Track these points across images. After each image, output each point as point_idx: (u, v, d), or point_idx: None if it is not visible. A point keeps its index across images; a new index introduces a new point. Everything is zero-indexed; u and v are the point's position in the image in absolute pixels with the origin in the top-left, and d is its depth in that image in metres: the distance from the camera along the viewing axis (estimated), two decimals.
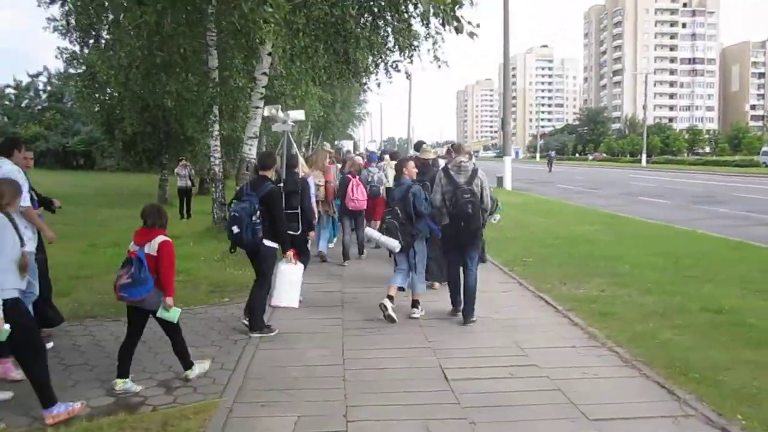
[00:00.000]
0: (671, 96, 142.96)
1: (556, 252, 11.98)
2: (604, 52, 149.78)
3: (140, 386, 5.29)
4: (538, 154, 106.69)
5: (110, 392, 5.21)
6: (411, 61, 15.50)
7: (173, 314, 5.21)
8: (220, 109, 14.59)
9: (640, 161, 73.88)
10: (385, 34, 15.17)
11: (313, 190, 9.72)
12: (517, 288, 9.22)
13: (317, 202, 10.56)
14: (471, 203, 7.11)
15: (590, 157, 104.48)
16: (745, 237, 13.87)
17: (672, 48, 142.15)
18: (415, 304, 7.70)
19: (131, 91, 15.26)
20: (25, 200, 5.73)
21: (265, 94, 13.72)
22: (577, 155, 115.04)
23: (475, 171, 7.37)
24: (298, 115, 10.60)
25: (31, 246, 5.59)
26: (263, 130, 17.61)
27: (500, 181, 31.62)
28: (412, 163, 7.94)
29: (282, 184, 7.92)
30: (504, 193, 27.63)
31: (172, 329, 5.36)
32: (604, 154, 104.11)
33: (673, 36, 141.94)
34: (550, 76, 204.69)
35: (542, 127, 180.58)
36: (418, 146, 11.42)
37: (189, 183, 20.12)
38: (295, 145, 10.67)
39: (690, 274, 9.78)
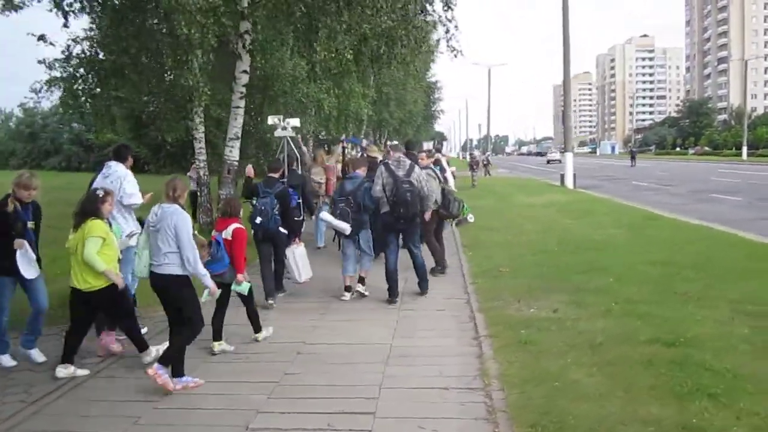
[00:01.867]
0: None
1: (546, 260, 10.56)
2: (708, 40, 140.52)
3: (233, 346, 6.39)
4: (636, 150, 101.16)
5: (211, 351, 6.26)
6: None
7: (244, 287, 6.33)
8: (207, 112, 13.95)
9: (741, 155, 68.35)
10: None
11: None
12: (457, 306, 7.96)
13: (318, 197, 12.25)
14: (410, 192, 8.05)
15: (691, 152, 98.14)
16: None
17: None
18: (361, 280, 8.54)
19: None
20: (138, 197, 6.90)
21: (244, 93, 12.93)
22: (677, 149, 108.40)
23: (412, 165, 8.36)
24: (295, 122, 13.10)
25: None
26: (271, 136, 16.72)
27: (562, 179, 29.58)
28: (365, 162, 9.18)
29: (285, 179, 9.97)
30: (559, 192, 25.87)
31: (245, 299, 6.47)
32: (706, 148, 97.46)
33: None
34: (651, 66, 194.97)
35: (643, 120, 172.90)
36: (409, 145, 12.57)
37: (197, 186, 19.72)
38: (294, 148, 12.73)
39: (680, 289, 8.18)
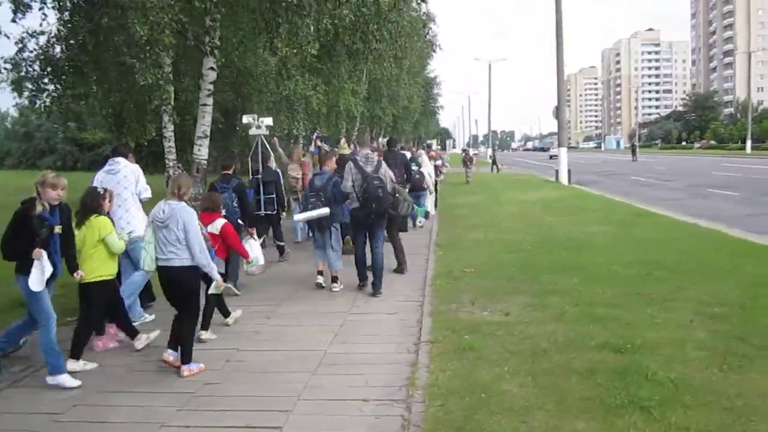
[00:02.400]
0: None
1: (518, 259, 10.18)
2: (714, 33, 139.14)
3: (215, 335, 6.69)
4: (637, 144, 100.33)
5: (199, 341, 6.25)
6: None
7: (255, 261, 7.69)
8: (176, 109, 13.60)
9: (745, 148, 67.56)
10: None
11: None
12: (409, 309, 7.59)
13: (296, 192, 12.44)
14: (380, 188, 8.19)
15: (696, 146, 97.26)
16: None
17: None
18: (334, 279, 8.74)
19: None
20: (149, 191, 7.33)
21: (212, 91, 12.58)
22: (683, 143, 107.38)
23: (380, 162, 8.60)
24: (268, 121, 13.21)
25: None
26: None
27: (557, 174, 29.12)
28: (333, 158, 9.40)
29: (260, 176, 11.13)
30: (553, 188, 25.43)
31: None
32: (712, 142, 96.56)
33: None
34: (657, 60, 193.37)
35: (649, 114, 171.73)
36: (390, 143, 13.53)
37: None
38: (268, 146, 12.51)
39: (649, 291, 7.81)
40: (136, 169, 7.30)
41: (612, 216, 15.38)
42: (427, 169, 15.69)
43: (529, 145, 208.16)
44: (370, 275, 8.61)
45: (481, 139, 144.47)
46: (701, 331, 6.17)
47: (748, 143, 67.06)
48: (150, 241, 5.69)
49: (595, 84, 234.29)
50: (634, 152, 62.16)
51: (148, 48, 10.19)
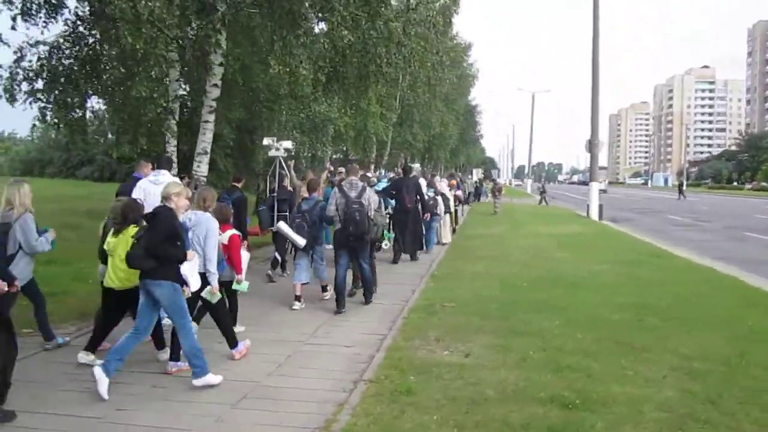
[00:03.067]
0: None
1: (506, 295, 9.68)
2: None
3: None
4: (685, 182, 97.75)
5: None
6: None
7: (243, 287, 6.98)
8: (180, 123, 13.51)
9: None
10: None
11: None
12: (368, 344, 7.16)
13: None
14: (359, 212, 8.67)
15: (747, 186, 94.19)
16: None
17: None
18: (324, 288, 9.50)
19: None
20: None
21: (214, 107, 12.44)
22: (735, 183, 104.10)
23: (364, 188, 9.00)
24: (287, 144, 13.87)
25: None
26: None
27: (587, 210, 28.28)
28: (321, 185, 10.39)
29: (275, 194, 11.97)
30: (579, 223, 24.66)
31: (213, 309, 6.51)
32: (763, 183, 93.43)
33: None
34: (711, 98, 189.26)
35: (701, 153, 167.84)
36: (405, 170, 14.80)
37: None
38: (285, 168, 13.12)
39: (631, 339, 7.24)
40: (177, 182, 7.55)
41: (627, 255, 14.67)
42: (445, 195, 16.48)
43: (575, 178, 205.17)
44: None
45: (527, 171, 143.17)
46: (671, 389, 5.60)
47: None
48: None
49: (647, 119, 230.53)
50: (681, 190, 60.32)
51: (143, 61, 10.07)
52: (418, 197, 13.87)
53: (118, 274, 5.98)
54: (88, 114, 12.94)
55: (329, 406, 5.18)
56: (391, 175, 24.23)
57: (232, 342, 6.47)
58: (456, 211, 21.31)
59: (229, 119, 15.15)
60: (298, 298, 8.94)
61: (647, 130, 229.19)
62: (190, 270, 5.77)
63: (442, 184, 18.14)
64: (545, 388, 5.50)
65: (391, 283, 11.03)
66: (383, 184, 14.69)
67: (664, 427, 4.76)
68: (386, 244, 14.21)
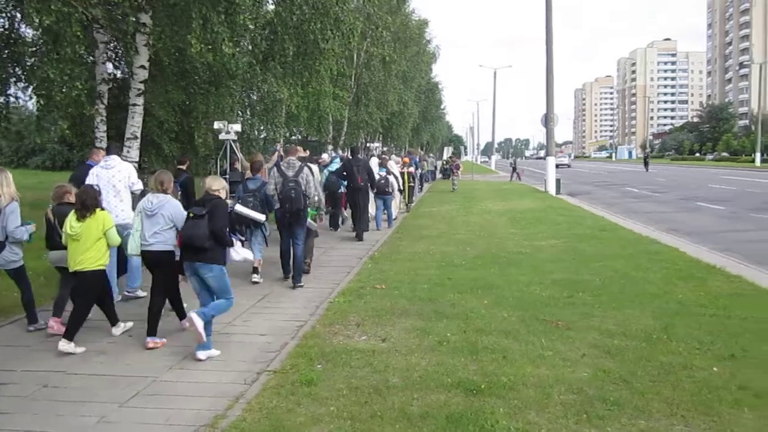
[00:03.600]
0: None
1: (439, 275, 9.50)
2: (730, 43, 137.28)
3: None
4: (649, 155, 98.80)
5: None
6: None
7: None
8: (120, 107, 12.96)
9: (753, 161, 66.05)
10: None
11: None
12: (284, 331, 6.86)
13: None
14: (294, 190, 8.95)
15: (709, 157, 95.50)
16: (764, 258, 11.04)
17: None
18: (255, 270, 9.49)
19: None
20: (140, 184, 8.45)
21: (142, 90, 11.93)
22: (697, 154, 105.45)
23: (302, 167, 9.22)
24: (237, 127, 14.79)
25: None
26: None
27: (545, 185, 28.28)
28: (264, 167, 10.23)
29: (227, 176, 11.99)
30: (535, 199, 24.58)
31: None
32: (724, 154, 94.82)
33: None
34: (673, 71, 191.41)
35: (664, 125, 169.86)
36: (354, 151, 16.19)
37: None
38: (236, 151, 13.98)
39: (555, 316, 7.11)
40: (129, 166, 8.48)
41: (574, 229, 14.58)
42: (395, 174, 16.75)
43: (542, 153, 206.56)
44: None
45: (496, 146, 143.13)
46: (586, 368, 5.42)
47: (757, 156, 65.56)
48: (137, 229, 6.46)
49: (611, 94, 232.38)
50: (646, 163, 61.18)
51: (57, 42, 9.54)
52: (369, 177, 14.27)
53: (87, 256, 6.20)
54: (11, 100, 12.28)
55: (225, 400, 4.89)
56: (342, 155, 24.03)
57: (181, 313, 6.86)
58: (411, 188, 21.46)
59: (171, 103, 14.58)
60: (255, 270, 9.44)
61: (612, 104, 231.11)
62: (237, 254, 6.46)
63: (392, 164, 17.98)
64: (454, 373, 5.28)
65: (328, 265, 10.78)
66: (335, 165, 15.21)
67: (569, 411, 4.56)
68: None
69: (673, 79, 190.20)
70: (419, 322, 6.89)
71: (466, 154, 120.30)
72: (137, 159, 12.14)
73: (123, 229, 7.09)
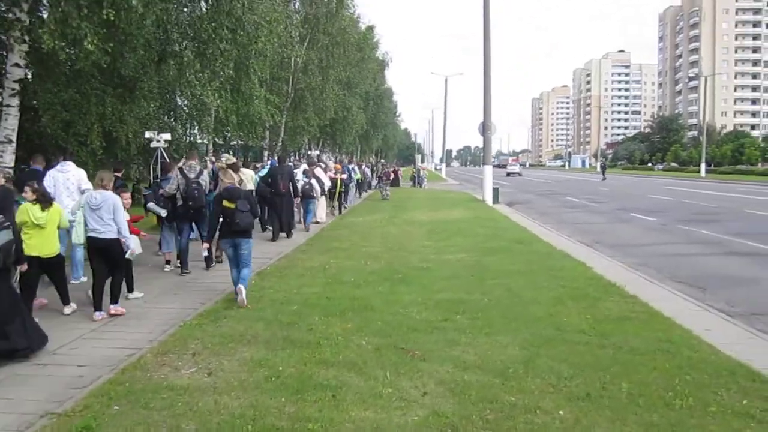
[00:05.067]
0: (754, 101, 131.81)
1: (319, 294, 8.80)
2: (680, 56, 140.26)
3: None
4: (598, 164, 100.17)
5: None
6: None
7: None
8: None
9: (699, 171, 67.22)
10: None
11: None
12: (112, 361, 6.05)
13: None
14: (197, 190, 10.42)
15: (659, 167, 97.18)
16: (676, 272, 11.15)
17: (755, 50, 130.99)
18: (168, 262, 11.02)
19: None
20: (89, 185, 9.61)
21: (17, 90, 10.97)
22: (650, 164, 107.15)
23: (201, 171, 10.82)
24: (167, 136, 16.39)
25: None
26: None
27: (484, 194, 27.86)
28: (176, 167, 10.99)
29: (159, 180, 12.58)
30: (467, 208, 24.10)
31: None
32: (673, 164, 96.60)
33: (756, 37, 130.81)
34: (627, 82, 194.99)
35: (618, 135, 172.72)
36: (280, 159, 17.06)
37: None
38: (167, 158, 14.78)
39: (416, 344, 6.43)
40: (81, 171, 10.06)
41: (490, 242, 14.04)
42: (320, 180, 18.19)
43: (495, 162, 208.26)
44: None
45: (454, 154, 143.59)
46: (420, 410, 4.81)
47: (702, 166, 66.70)
48: (80, 221, 7.68)
49: (567, 103, 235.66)
50: (603, 171, 62.56)
51: None
52: (291, 184, 15.50)
53: (50, 241, 7.30)
54: None
55: None
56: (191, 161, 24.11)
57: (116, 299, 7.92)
58: (341, 193, 22.42)
59: (65, 105, 13.59)
60: (168, 262, 11.05)
61: (568, 113, 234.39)
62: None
63: (318, 171, 18.76)
64: (262, 418, 4.58)
65: (212, 280, 10.06)
66: (264, 172, 16.51)
67: None
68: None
69: (626, 90, 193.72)
70: (261, 351, 6.17)
71: (422, 162, 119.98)
72: (11, 164, 11.15)
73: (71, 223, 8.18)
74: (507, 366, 5.72)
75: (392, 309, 7.83)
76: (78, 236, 7.73)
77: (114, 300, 7.76)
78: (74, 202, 8.75)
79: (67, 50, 9.69)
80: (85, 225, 7.64)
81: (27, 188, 7.52)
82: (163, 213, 10.66)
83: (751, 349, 6.44)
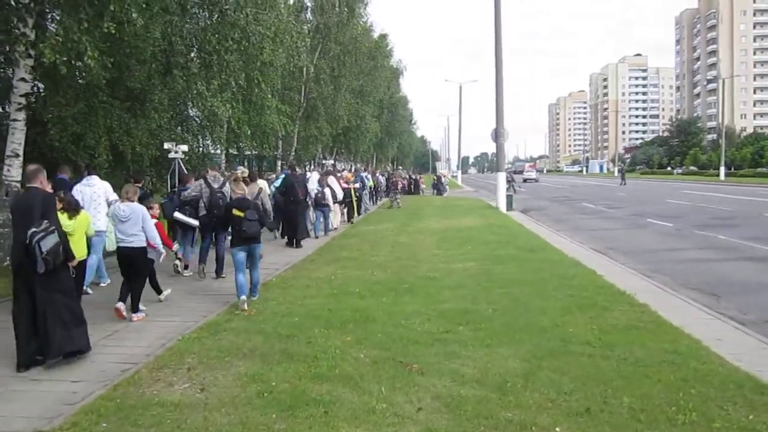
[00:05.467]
0: None
1: (323, 306, 8.70)
2: (698, 59, 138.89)
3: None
4: (615, 169, 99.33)
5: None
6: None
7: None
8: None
9: (718, 175, 66.34)
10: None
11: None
12: (108, 376, 5.98)
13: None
14: (221, 199, 10.65)
15: (678, 171, 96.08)
16: (690, 278, 11.05)
17: None
18: (186, 267, 11.50)
19: None
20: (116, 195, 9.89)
21: (24, 104, 11.04)
22: (669, 168, 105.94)
23: (224, 182, 11.16)
24: (184, 147, 16.53)
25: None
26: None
27: (497, 201, 27.64)
28: (192, 178, 12.02)
29: (176, 189, 12.88)
30: (482, 215, 23.91)
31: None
32: (692, 167, 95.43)
33: None
34: (644, 86, 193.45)
35: (636, 139, 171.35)
36: (292, 167, 17.91)
37: None
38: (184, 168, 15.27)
39: (415, 357, 6.33)
40: (106, 184, 10.33)
41: (500, 250, 13.88)
42: (333, 189, 18.41)
43: (514, 166, 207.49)
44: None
45: (472, 160, 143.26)
46: (412, 428, 4.70)
47: (722, 170, 65.81)
48: (111, 230, 8.51)
49: (584, 108, 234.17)
50: (623, 176, 62.27)
51: None
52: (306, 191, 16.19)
53: (79, 247, 7.59)
54: None
55: None
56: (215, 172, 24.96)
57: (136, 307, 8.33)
58: (353, 202, 22.53)
59: (76, 119, 13.67)
60: (187, 267, 11.54)
61: (585, 118, 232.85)
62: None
63: (332, 179, 18.91)
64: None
65: (217, 292, 9.99)
66: (279, 181, 16.94)
67: None
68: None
69: (644, 93, 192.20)
70: (257, 365, 6.08)
71: (442, 169, 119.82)
72: (18, 178, 11.21)
73: (99, 234, 9.27)
74: (506, 380, 5.58)
75: (394, 320, 7.71)
76: (111, 243, 8.64)
77: (134, 308, 8.20)
78: (101, 214, 9.67)
79: (70, 64, 9.66)
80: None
81: (56, 198, 7.76)
82: (195, 222, 11.11)
83: (762, 360, 6.25)
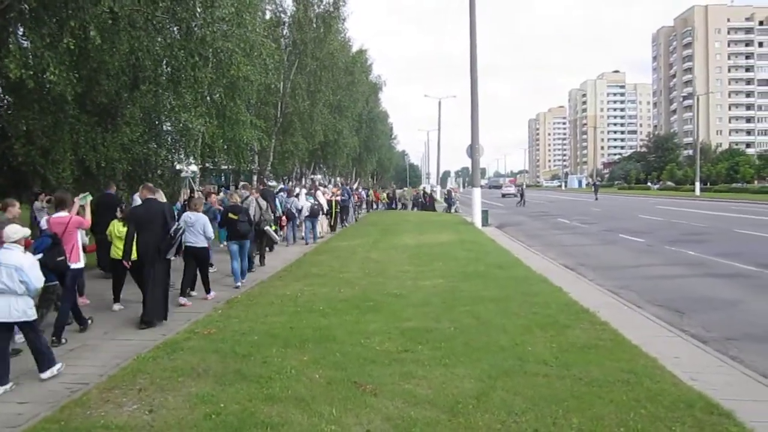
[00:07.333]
0: (748, 120, 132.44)
1: (282, 326, 8.58)
2: (674, 76, 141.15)
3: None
4: (591, 184, 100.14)
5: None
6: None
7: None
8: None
9: (694, 190, 67.18)
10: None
11: None
12: (56, 397, 5.86)
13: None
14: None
15: (655, 186, 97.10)
16: (656, 295, 11.14)
17: (748, 69, 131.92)
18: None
19: None
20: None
21: None
22: (647, 183, 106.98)
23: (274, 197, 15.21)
24: (194, 167, 18.90)
25: None
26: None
27: (473, 216, 27.72)
28: (214, 197, 14.98)
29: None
30: (455, 231, 23.94)
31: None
32: (669, 183, 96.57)
33: (748, 56, 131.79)
34: (622, 102, 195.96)
35: (614, 154, 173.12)
36: (263, 183, 20.58)
37: None
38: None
39: (371, 378, 6.25)
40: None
41: (470, 266, 13.87)
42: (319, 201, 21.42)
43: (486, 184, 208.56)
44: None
45: (452, 174, 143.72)
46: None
47: (697, 185, 66.68)
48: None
49: (564, 123, 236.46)
50: (596, 191, 62.90)
51: None
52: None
53: (117, 246, 9.82)
54: None
55: None
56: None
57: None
58: (336, 213, 25.22)
59: (46, 133, 13.49)
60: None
61: (564, 134, 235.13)
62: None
63: (319, 194, 22.08)
64: None
65: (181, 310, 9.86)
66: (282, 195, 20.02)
67: None
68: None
69: (622, 110, 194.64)
70: (209, 386, 6.00)
71: (424, 184, 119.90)
72: None
73: None
74: (458, 401, 5.55)
75: (354, 339, 7.65)
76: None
77: (207, 290, 10.87)
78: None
79: (37, 78, 9.55)
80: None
81: (118, 209, 10.41)
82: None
83: (716, 378, 6.29)
